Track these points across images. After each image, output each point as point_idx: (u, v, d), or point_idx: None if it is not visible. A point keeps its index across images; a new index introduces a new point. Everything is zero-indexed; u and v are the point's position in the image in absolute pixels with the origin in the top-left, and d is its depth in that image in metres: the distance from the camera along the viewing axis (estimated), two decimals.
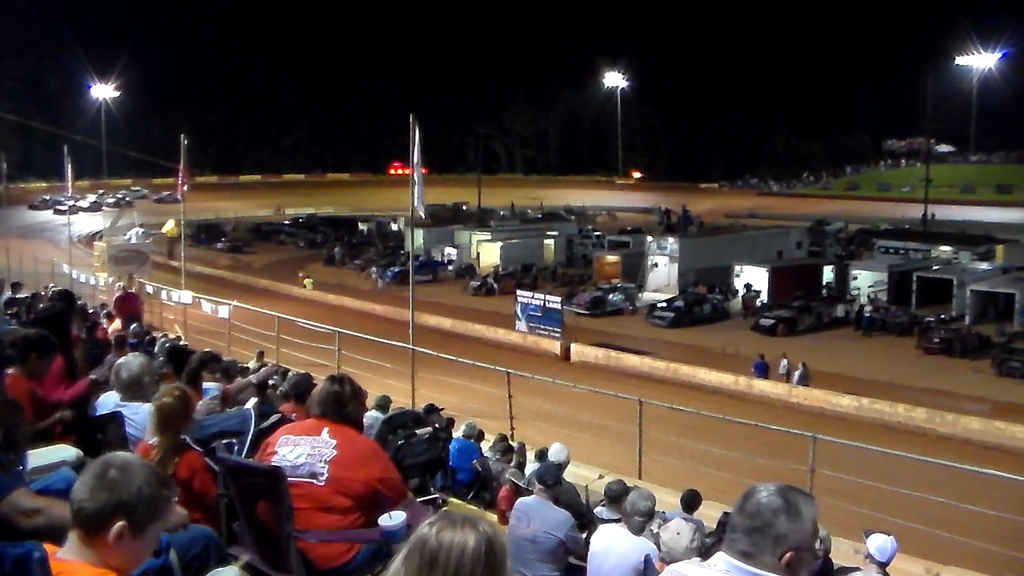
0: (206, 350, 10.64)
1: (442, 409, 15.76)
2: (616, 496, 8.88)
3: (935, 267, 51.44)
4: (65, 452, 5.05)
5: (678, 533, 6.90)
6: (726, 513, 10.82)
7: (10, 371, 6.14)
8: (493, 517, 11.04)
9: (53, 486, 4.22)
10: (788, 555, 2.77)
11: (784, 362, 34.53)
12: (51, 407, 6.48)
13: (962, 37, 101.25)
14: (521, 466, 14.25)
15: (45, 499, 3.77)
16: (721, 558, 2.89)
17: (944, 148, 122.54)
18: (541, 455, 14.53)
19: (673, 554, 6.76)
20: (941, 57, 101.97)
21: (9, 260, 39.50)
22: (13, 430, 4.60)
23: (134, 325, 21.52)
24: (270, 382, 13.32)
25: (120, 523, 2.86)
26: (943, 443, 26.61)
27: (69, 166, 44.82)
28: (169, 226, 56.33)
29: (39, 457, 4.84)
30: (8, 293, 21.62)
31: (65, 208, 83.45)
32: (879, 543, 7.84)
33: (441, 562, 2.38)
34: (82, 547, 2.89)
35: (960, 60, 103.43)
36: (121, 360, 6.89)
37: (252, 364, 20.33)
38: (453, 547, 2.39)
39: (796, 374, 33.57)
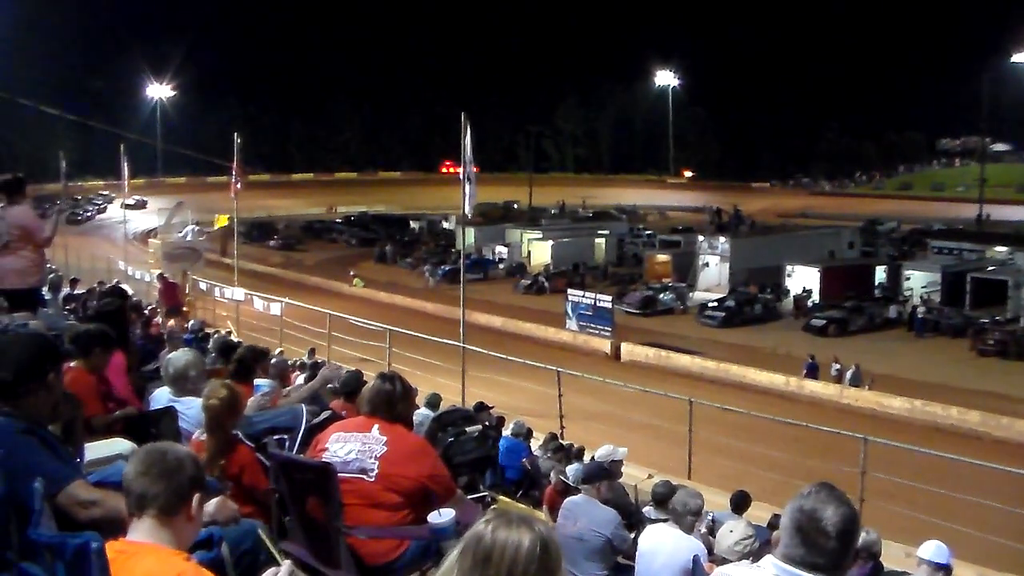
0: (249, 345, 10.73)
1: (492, 407, 15.81)
2: (662, 498, 8.85)
3: (990, 268, 50.73)
4: (121, 445, 5.12)
5: (731, 531, 6.89)
6: (776, 515, 10.78)
7: (72, 364, 6.23)
8: (542, 515, 11.07)
9: (109, 479, 4.28)
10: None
11: (836, 366, 34.13)
12: (117, 402, 6.58)
13: (1018, 34, 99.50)
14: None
15: (102, 491, 3.83)
16: (770, 562, 2.88)
17: (1000, 147, 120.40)
18: (579, 453, 14.55)
19: (720, 550, 6.77)
20: (997, 54, 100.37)
21: (67, 257, 40.07)
22: (71, 423, 4.68)
23: (193, 321, 21.84)
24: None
25: (197, 495, 3.19)
26: (998, 447, 26.20)
27: (125, 165, 45.34)
28: (220, 219, 56.84)
29: (95, 450, 4.92)
30: (66, 289, 21.97)
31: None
32: (934, 548, 7.80)
33: (495, 560, 2.35)
34: (158, 530, 3.11)
35: (1016, 57, 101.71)
36: (169, 356, 6.99)
37: (304, 359, 20.54)
38: (507, 546, 2.36)
39: (848, 374, 33.26)
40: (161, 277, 30.85)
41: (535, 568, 2.36)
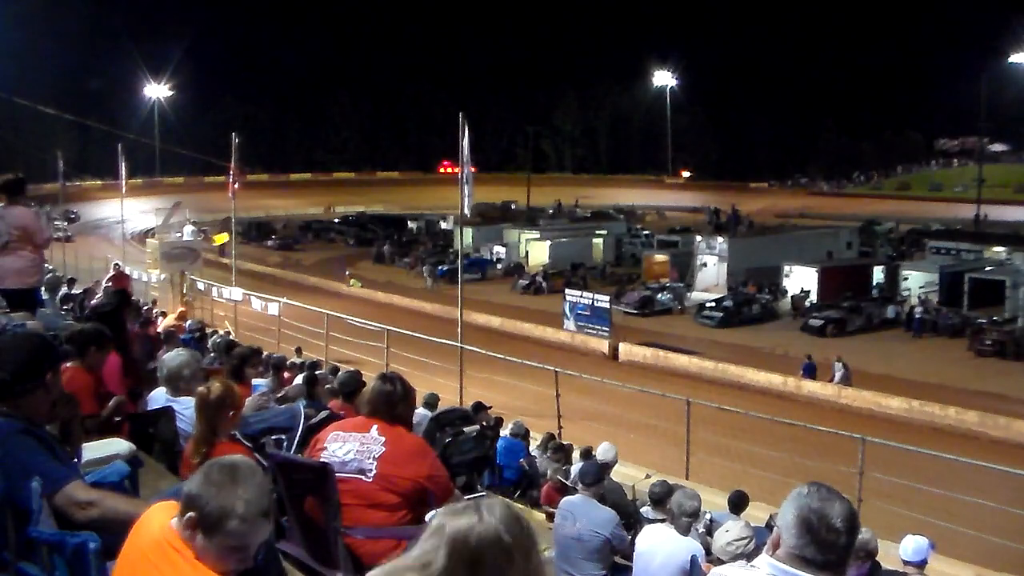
0: (241, 344, 10.73)
1: (490, 407, 15.80)
2: (660, 498, 8.85)
3: (988, 268, 50.63)
4: (118, 446, 5.12)
5: (727, 531, 6.89)
6: (773, 515, 10.78)
7: (68, 364, 6.22)
8: (540, 516, 11.09)
9: (107, 479, 4.29)
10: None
11: (838, 365, 34.00)
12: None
13: (1016, 34, 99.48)
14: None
15: (99, 492, 3.83)
16: (766, 562, 2.88)
17: (998, 147, 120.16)
18: (586, 454, 14.55)
19: (715, 550, 6.78)
20: (995, 54, 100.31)
21: (65, 256, 40.04)
22: (69, 423, 4.68)
23: (191, 321, 21.81)
24: (317, 372, 13.44)
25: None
26: (995, 447, 26.13)
27: (123, 164, 45.27)
28: (220, 236, 57.01)
29: (93, 450, 4.91)
30: (64, 289, 21.97)
31: None
32: (914, 545, 7.85)
33: (487, 560, 2.21)
34: None
35: (1014, 58, 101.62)
36: (164, 356, 6.99)
37: (294, 360, 20.57)
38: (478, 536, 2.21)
39: (838, 374, 33.23)
40: (115, 267, 30.78)
41: (504, 554, 2.22)
